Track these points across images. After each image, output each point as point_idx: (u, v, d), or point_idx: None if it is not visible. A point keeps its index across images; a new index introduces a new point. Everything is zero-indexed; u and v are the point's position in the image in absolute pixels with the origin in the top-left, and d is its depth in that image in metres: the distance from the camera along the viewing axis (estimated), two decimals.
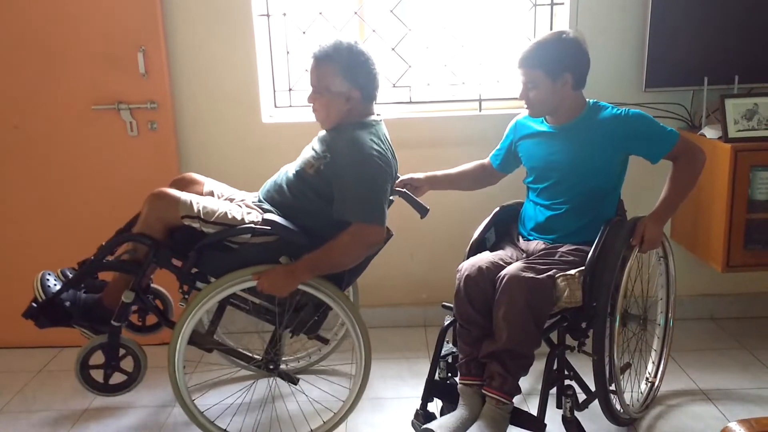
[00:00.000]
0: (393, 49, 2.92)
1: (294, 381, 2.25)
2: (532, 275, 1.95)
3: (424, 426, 1.94)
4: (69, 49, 2.72)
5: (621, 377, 2.13)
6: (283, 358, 2.44)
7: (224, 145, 2.91)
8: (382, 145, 2.09)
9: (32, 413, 2.48)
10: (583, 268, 2.00)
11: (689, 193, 2.14)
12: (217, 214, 2.02)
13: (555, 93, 2.11)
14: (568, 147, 2.16)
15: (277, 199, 2.15)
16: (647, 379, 2.40)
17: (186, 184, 2.26)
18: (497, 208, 2.38)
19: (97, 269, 2.14)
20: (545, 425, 1.96)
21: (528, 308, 1.92)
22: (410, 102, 2.97)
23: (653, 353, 2.44)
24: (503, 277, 1.98)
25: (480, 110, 2.95)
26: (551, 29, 2.85)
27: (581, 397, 2.11)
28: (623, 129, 2.11)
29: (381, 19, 2.93)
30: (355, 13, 2.92)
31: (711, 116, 2.77)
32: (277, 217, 2.08)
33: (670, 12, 2.72)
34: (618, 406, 2.14)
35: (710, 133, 2.66)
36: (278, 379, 2.28)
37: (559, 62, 2.09)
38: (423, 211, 2.27)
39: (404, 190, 2.30)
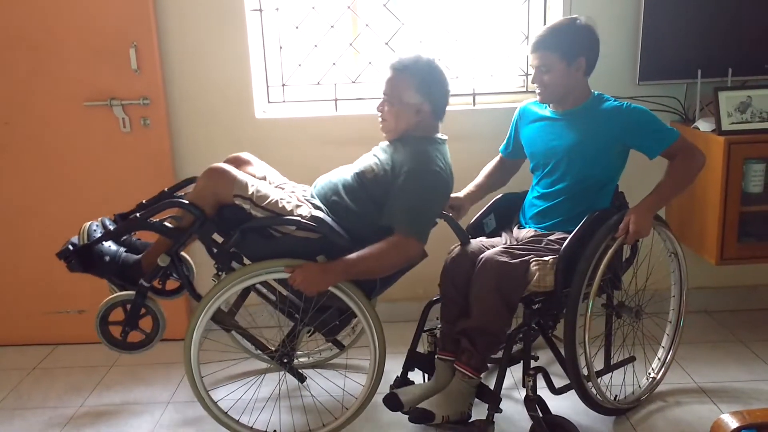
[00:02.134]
0: (386, 43, 2.91)
1: (301, 379, 2.28)
2: (506, 259, 2.02)
3: (393, 390, 2.08)
4: (60, 44, 2.71)
5: (595, 367, 2.13)
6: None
7: (217, 140, 2.89)
8: (446, 166, 2.11)
9: (27, 410, 2.48)
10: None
11: (682, 190, 2.16)
12: (269, 200, 2.03)
13: (569, 77, 2.15)
14: (569, 133, 2.19)
15: (330, 197, 2.15)
16: (649, 374, 2.40)
17: (240, 164, 2.25)
18: (499, 195, 2.41)
19: (141, 227, 2.14)
20: (500, 399, 2.03)
21: (498, 291, 1.99)
22: None
23: (661, 350, 2.44)
24: (480, 260, 2.05)
25: (474, 104, 2.94)
26: (544, 23, 2.85)
27: (562, 381, 2.17)
28: (623, 120, 2.14)
29: (374, 13, 2.92)
30: (348, 7, 2.91)
31: (705, 109, 2.77)
32: (326, 216, 2.08)
33: (664, 5, 2.71)
34: (594, 391, 2.14)
35: (704, 125, 2.66)
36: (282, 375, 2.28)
37: (574, 46, 2.14)
38: (466, 240, 2.21)
39: (449, 214, 2.26)
